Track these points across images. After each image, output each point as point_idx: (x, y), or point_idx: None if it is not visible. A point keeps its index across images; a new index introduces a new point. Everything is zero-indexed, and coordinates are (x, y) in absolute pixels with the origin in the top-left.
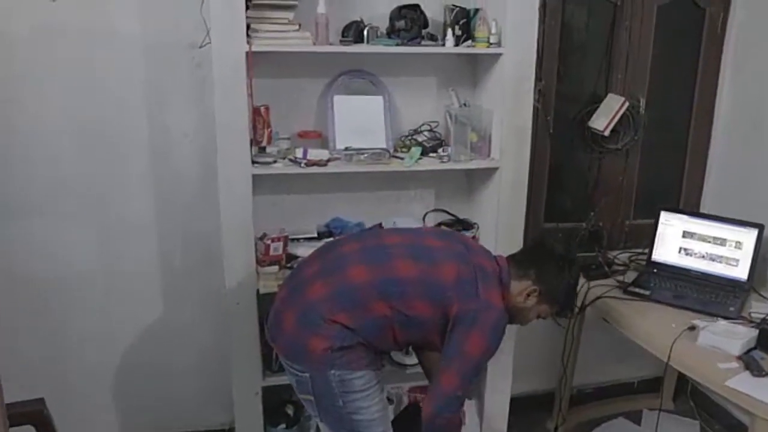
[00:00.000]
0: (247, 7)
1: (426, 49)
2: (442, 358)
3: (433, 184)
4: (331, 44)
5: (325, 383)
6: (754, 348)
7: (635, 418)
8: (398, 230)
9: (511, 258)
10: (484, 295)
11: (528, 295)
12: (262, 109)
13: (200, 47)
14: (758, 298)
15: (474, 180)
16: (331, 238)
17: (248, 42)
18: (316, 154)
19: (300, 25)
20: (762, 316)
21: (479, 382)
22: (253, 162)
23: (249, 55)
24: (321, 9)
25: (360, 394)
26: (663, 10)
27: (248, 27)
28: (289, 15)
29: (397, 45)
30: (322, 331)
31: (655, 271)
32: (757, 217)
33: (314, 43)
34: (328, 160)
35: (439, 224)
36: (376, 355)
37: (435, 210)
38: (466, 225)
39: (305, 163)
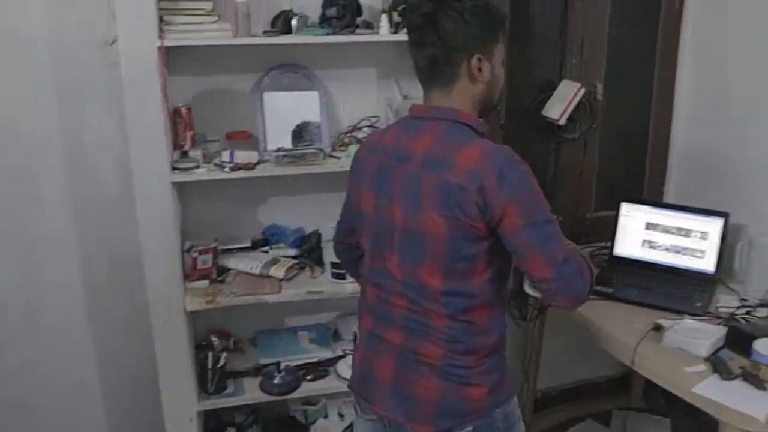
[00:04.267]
0: None
1: (359, 37)
2: (517, 253)
3: None
4: (254, 36)
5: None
6: (723, 347)
7: (604, 418)
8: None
9: (427, 97)
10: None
11: (478, 70)
12: (183, 110)
13: (111, 44)
14: (725, 290)
15: None
16: (267, 248)
17: (160, 36)
18: (244, 156)
19: (220, 17)
20: (730, 310)
21: None
22: (173, 168)
23: (161, 50)
24: None
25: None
26: None
27: (161, 20)
28: (207, 5)
29: (328, 35)
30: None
31: (618, 266)
32: (722, 205)
33: (235, 36)
34: (257, 163)
35: None
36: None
37: None
38: None
39: (231, 167)
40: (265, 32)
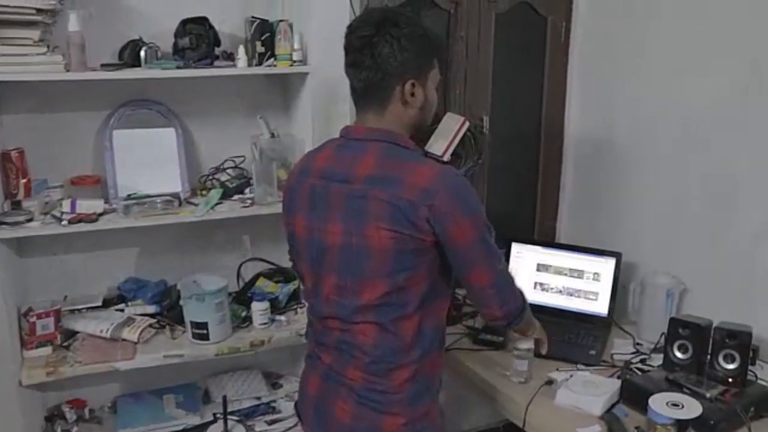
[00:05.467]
0: None
1: (215, 71)
2: (463, 265)
3: (247, 229)
4: (92, 70)
5: None
6: (618, 402)
7: None
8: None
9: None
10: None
11: (410, 95)
12: (14, 154)
13: None
14: (620, 333)
15: None
16: (123, 305)
17: None
18: (88, 206)
19: (50, 48)
20: (625, 357)
21: None
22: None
23: None
24: (74, 26)
25: None
26: (502, 19)
27: None
28: (34, 34)
29: (179, 68)
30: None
31: None
32: (615, 244)
33: (68, 69)
34: (101, 214)
35: (258, 275)
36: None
37: (251, 259)
38: (288, 275)
39: (70, 219)
40: (104, 65)
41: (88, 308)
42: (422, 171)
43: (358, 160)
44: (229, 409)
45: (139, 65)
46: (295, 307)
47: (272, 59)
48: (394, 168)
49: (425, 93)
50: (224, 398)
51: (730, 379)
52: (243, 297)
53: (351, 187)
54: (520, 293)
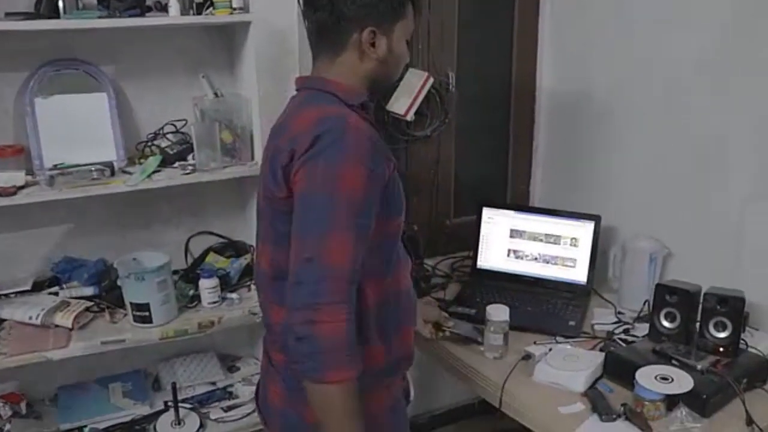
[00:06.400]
0: None
1: (140, 20)
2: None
3: (193, 200)
4: None
5: None
6: (601, 377)
7: None
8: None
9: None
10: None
11: (369, 45)
12: None
13: None
14: (600, 302)
15: (245, 191)
16: (57, 288)
17: None
18: (6, 179)
19: None
20: (607, 328)
21: None
22: None
23: None
24: None
25: None
26: None
27: None
28: None
29: (102, 17)
30: None
31: (481, 281)
32: (593, 207)
33: None
34: (22, 187)
35: (208, 250)
36: None
37: (200, 233)
38: (240, 249)
39: None
40: (9, 15)
41: (16, 293)
42: (306, 114)
43: (283, 114)
44: (181, 396)
45: (58, 17)
46: (249, 283)
47: (211, 8)
48: (290, 115)
49: (389, 45)
50: (173, 385)
51: (721, 349)
52: (191, 274)
53: (269, 144)
54: (332, 345)
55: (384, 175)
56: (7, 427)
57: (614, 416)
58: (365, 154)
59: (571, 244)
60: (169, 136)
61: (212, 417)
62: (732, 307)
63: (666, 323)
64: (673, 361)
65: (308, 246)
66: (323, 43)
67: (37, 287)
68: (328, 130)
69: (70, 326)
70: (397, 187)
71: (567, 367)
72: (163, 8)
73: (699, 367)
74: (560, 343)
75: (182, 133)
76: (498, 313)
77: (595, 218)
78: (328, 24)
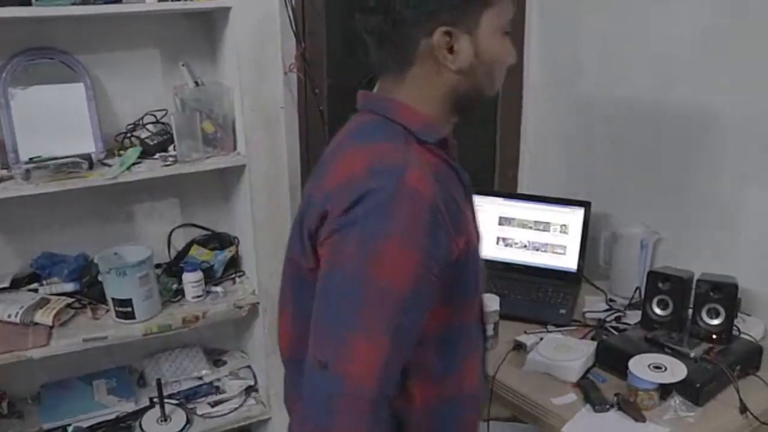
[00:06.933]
0: None
1: (115, 7)
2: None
3: (175, 192)
4: None
5: None
6: (593, 366)
7: None
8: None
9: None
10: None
11: (447, 51)
12: None
13: None
14: (591, 290)
15: (228, 181)
16: (37, 285)
17: None
18: None
19: None
20: (599, 316)
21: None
22: None
23: None
24: None
25: None
26: None
27: None
28: None
29: (75, 4)
30: None
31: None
32: (583, 193)
33: None
34: None
35: (191, 242)
36: None
37: (183, 225)
38: (225, 241)
39: None
40: None
41: None
42: (352, 158)
43: (333, 140)
44: (167, 392)
45: (30, 4)
46: (233, 276)
47: None
48: (335, 152)
49: (476, 46)
50: (158, 381)
51: (714, 336)
52: (174, 268)
53: (307, 186)
54: None
55: (449, 253)
56: None
57: (607, 406)
58: (421, 231)
59: (560, 231)
60: (149, 126)
61: (199, 412)
62: (725, 294)
63: (658, 310)
64: (666, 349)
65: (324, 347)
66: (384, 56)
67: (16, 284)
68: (375, 189)
69: (50, 324)
70: (472, 263)
71: (559, 357)
72: None
73: (692, 354)
74: (551, 332)
75: (162, 123)
76: (488, 302)
77: (585, 204)
78: (386, 31)
